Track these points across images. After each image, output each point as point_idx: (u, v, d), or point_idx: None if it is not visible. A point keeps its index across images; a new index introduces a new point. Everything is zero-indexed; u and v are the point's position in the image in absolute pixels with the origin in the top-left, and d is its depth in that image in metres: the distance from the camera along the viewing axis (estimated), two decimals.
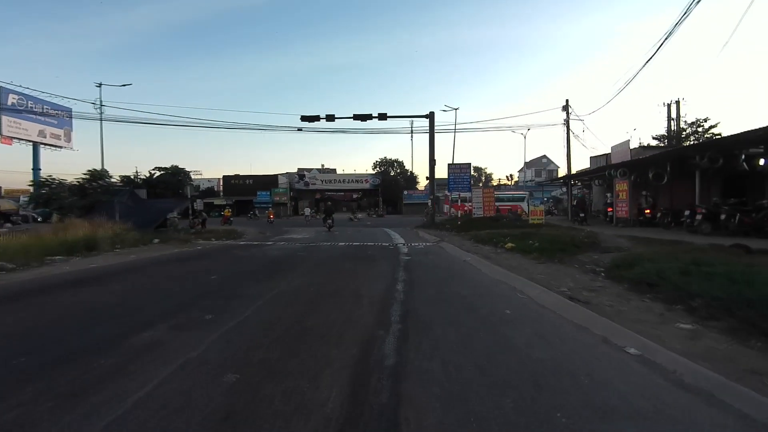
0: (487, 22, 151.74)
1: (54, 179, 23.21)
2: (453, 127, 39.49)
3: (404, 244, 15.25)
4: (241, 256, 12.55)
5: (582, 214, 21.63)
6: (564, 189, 36.46)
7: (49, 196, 20.80)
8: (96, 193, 23.18)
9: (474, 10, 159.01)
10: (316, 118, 22.34)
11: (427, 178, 23.36)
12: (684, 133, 36.49)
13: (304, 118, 22.30)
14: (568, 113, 30.26)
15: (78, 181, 23.59)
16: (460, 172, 23.59)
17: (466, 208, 25.44)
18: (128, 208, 22.15)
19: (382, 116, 22.26)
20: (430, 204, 24.25)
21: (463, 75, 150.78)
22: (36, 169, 42.45)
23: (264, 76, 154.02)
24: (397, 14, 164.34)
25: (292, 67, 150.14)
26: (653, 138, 38.87)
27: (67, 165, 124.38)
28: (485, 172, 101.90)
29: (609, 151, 27.48)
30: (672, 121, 39.80)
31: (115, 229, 14.40)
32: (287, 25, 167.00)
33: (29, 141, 44.23)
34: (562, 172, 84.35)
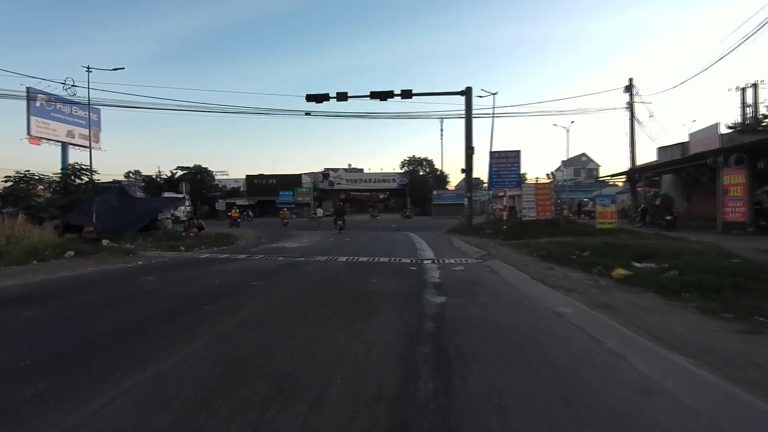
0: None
1: (33, 175, 19.11)
2: (487, 115, 33.74)
3: (434, 261, 10.17)
4: (166, 285, 7.70)
5: (669, 217, 15.77)
6: (622, 186, 30.14)
7: (17, 193, 16.79)
8: (79, 191, 19.25)
9: None
10: (325, 97, 17.44)
11: (462, 171, 17.59)
12: (766, 121, 29.78)
13: (310, 98, 17.45)
14: (632, 94, 24.17)
15: (59, 178, 19.53)
16: (506, 161, 18.06)
17: (505, 209, 19.87)
18: (111, 207, 18.11)
19: (406, 94, 17.15)
20: (466, 203, 18.79)
21: (501, 56, 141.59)
22: (65, 169, 40.22)
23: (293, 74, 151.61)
24: None
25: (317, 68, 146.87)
26: (728, 127, 31.88)
27: (95, 165, 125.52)
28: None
29: (684, 139, 21.45)
30: (748, 108, 33.05)
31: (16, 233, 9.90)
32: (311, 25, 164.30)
33: (58, 141, 42.39)
34: (603, 171, 76.68)
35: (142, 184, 49.72)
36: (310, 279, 7.58)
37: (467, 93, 17.88)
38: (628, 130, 24.41)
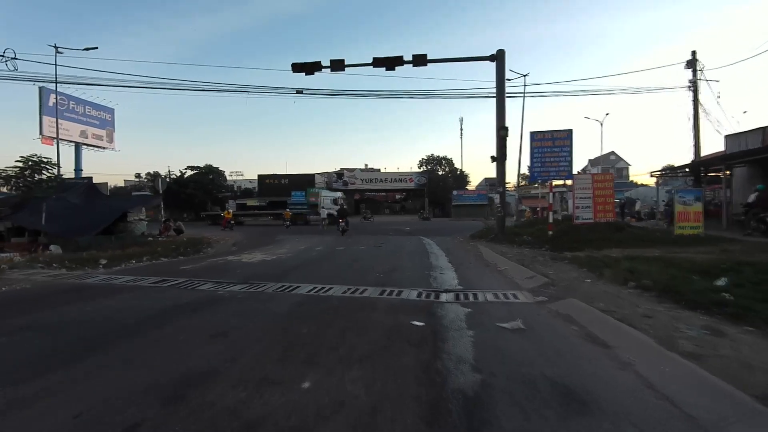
0: None
1: None
2: (518, 94, 28.96)
3: (459, 299, 5.66)
4: None
5: None
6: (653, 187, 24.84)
7: None
8: (37, 188, 15.67)
9: None
10: (316, 67, 13.16)
11: (493, 159, 12.63)
12: None
13: (297, 68, 13.20)
14: (695, 70, 19.09)
15: (13, 173, 15.90)
16: (552, 144, 13.32)
17: (549, 208, 15.06)
18: (69, 207, 14.51)
19: (420, 60, 12.75)
20: (497, 200, 14.10)
21: (533, 25, 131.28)
22: (78, 169, 38.66)
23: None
24: None
25: None
26: None
27: (109, 166, 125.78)
28: None
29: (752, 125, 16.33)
30: None
31: None
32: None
33: (71, 141, 40.48)
34: (633, 171, 69.96)
35: (150, 184, 46.90)
36: (163, 367, 3.22)
37: (498, 58, 13.30)
38: (691, 114, 19.39)
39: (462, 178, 57.46)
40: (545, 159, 13.28)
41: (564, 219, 17.01)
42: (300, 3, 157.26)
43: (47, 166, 15.54)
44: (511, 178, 61.67)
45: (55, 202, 14.31)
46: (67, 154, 39.25)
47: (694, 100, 19.19)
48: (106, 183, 25.87)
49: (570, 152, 13.20)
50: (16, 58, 15.92)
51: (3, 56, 15.64)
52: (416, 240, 16.31)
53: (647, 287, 5.44)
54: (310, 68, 13.17)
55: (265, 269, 8.49)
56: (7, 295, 6.09)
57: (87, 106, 39.87)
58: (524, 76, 26.94)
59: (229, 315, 4.69)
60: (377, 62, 12.93)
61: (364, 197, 54.39)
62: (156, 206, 19.18)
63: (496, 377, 2.81)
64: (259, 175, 51.19)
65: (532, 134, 13.49)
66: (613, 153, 69.25)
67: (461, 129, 63.73)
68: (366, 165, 65.63)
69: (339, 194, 40.56)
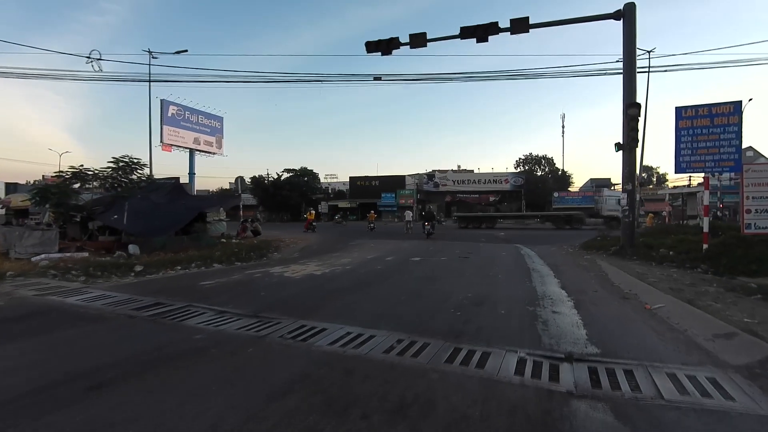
0: None
1: (87, 170, 16.14)
2: (643, 69, 23.63)
3: (601, 373, 3.18)
4: None
5: None
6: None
7: (46, 190, 13.96)
8: (127, 188, 16.12)
9: None
10: (393, 44, 11.04)
11: (618, 147, 9.13)
12: None
13: (371, 46, 11.22)
14: None
15: (103, 173, 16.38)
16: (709, 123, 9.32)
17: (705, 211, 10.89)
18: (150, 207, 14.52)
19: (519, 25, 9.85)
20: (624, 201, 10.43)
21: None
22: (191, 173, 42.24)
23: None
24: None
25: None
26: None
27: (218, 170, 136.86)
28: (656, 172, 75.21)
29: None
30: None
31: None
32: None
33: (185, 148, 44.10)
34: None
35: (251, 185, 49.50)
36: None
37: (626, 14, 9.79)
38: None
39: (564, 179, 50.96)
40: (698, 144, 9.31)
41: (719, 227, 12.53)
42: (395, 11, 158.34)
43: (137, 167, 15.63)
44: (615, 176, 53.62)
45: (139, 202, 14.32)
46: (182, 158, 43.25)
47: None
48: (190, 184, 27.28)
49: (738, 134, 9.07)
50: (101, 59, 16.59)
51: (89, 57, 16.43)
52: (512, 250, 13.32)
53: None
54: (386, 46, 11.16)
55: (300, 291, 6.52)
56: None
57: (200, 115, 43.41)
58: (649, 51, 22.05)
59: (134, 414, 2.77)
60: (465, 33, 10.41)
61: (456, 199, 51.27)
62: (235, 207, 18.92)
63: None
64: (350, 177, 51.28)
65: (679, 110, 9.57)
66: (750, 148, 55.07)
67: (563, 126, 56.74)
68: (458, 166, 62.29)
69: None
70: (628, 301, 5.67)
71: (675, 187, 37.56)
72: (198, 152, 44.22)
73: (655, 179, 72.04)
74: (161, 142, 39.76)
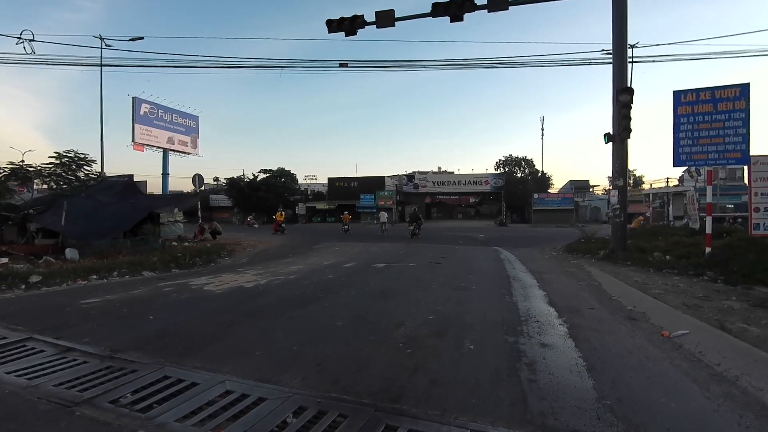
0: None
1: (28, 166, 14.22)
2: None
3: None
4: None
5: None
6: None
7: None
8: (71, 186, 14.27)
9: None
10: (357, 23, 9.50)
11: (608, 138, 7.61)
12: None
13: (333, 26, 9.65)
14: None
15: (46, 170, 14.47)
16: (712, 109, 8.06)
17: (709, 211, 9.69)
18: (94, 207, 12.73)
19: (498, 1, 8.56)
20: (615, 200, 9.17)
21: None
22: (165, 174, 40.17)
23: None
24: None
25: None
26: None
27: (194, 170, 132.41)
28: (633, 174, 75.39)
29: None
30: None
31: None
32: None
33: (159, 148, 42.10)
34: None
35: (226, 186, 47.35)
36: None
37: None
38: None
39: (543, 181, 50.32)
40: (699, 132, 8.06)
41: (722, 228, 11.40)
42: None
43: (84, 163, 13.72)
44: (601, 181, 52.96)
45: (82, 201, 12.64)
46: (156, 159, 40.95)
47: None
48: (145, 181, 25.28)
49: (745, 121, 7.89)
50: (34, 40, 14.74)
51: (20, 38, 14.57)
52: (491, 253, 11.96)
53: None
54: (349, 25, 9.67)
55: (207, 312, 4.81)
56: None
57: (174, 114, 40.79)
58: (632, 47, 21.18)
59: None
60: (438, 10, 9.04)
61: (435, 201, 50.06)
62: (193, 206, 17.12)
63: None
64: (329, 179, 49.50)
65: (678, 94, 8.28)
66: None
67: (542, 128, 56.21)
68: (439, 167, 61.08)
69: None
70: (636, 323, 4.26)
71: (655, 189, 37.20)
72: (172, 152, 41.99)
73: (632, 181, 72.43)
74: (133, 141, 37.66)
